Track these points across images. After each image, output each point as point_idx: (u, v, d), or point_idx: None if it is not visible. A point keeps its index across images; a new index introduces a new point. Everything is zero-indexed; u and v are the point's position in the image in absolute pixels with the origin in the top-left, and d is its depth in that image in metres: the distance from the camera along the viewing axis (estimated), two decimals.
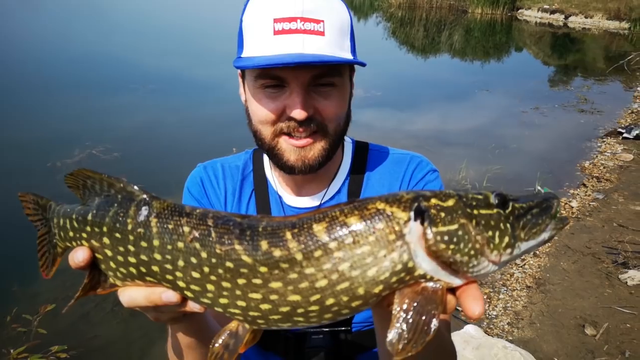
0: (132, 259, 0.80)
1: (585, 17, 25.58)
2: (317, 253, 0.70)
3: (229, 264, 0.73)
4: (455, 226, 0.70)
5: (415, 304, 0.68)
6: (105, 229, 0.81)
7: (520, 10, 28.32)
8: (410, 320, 0.67)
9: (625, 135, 8.00)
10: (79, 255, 0.83)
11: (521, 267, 4.57)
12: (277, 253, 0.71)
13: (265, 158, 1.38)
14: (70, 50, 12.67)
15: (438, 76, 13.91)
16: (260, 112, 1.15)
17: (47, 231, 0.94)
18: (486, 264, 0.71)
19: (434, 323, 0.67)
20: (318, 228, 0.71)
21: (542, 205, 0.76)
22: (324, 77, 1.12)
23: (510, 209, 0.74)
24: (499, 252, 0.71)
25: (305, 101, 1.11)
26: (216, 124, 8.01)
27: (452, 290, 0.72)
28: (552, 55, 18.45)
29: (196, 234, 0.75)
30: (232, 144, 6.98)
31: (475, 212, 0.72)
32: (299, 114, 1.09)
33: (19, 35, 14.09)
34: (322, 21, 1.09)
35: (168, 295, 0.79)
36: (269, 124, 1.16)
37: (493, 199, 0.74)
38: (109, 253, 0.82)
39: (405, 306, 0.68)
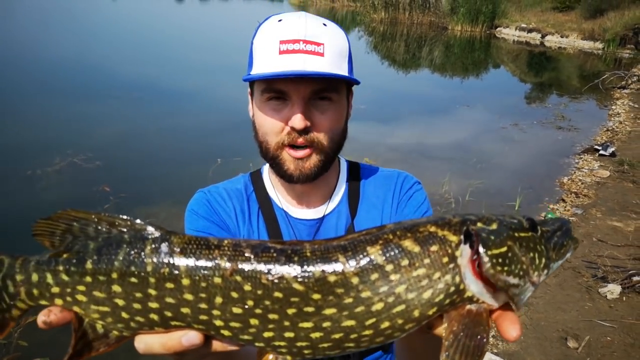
0: (153, 305, 0.71)
1: (561, 37, 26.34)
2: (374, 276, 0.69)
3: (277, 294, 0.69)
4: (505, 248, 0.72)
5: (463, 327, 0.70)
6: (115, 275, 0.71)
7: (498, 29, 29.01)
8: (462, 343, 0.69)
9: (601, 152, 8.21)
10: (56, 313, 0.73)
11: None
12: (331, 278, 0.69)
13: (266, 178, 1.46)
14: (52, 57, 12.51)
15: (419, 91, 14.11)
16: (266, 123, 1.26)
17: None
18: (528, 285, 0.73)
19: (484, 345, 0.69)
20: (372, 250, 0.70)
21: (562, 228, 0.81)
22: (322, 92, 1.24)
23: (540, 232, 0.77)
24: (538, 272, 0.74)
25: (305, 113, 1.22)
26: (199, 133, 7.98)
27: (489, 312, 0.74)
28: (529, 73, 18.91)
29: (237, 266, 0.70)
30: (215, 153, 6.98)
31: (516, 234, 0.74)
32: (298, 122, 1.20)
33: None
34: (322, 44, 1.22)
35: (189, 338, 0.72)
36: (273, 134, 1.26)
37: (525, 223, 0.76)
38: (121, 302, 0.72)
39: (454, 329, 0.70)
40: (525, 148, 8.96)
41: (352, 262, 0.69)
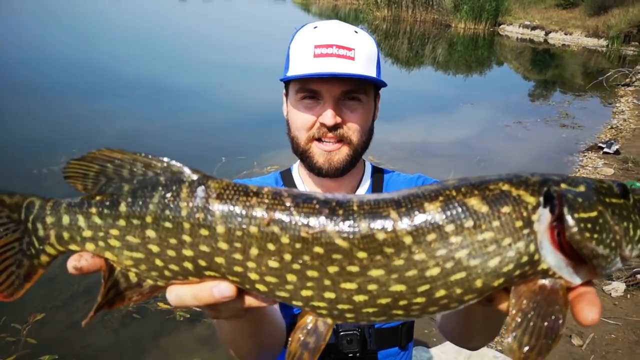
0: (187, 252, 0.66)
1: (565, 34, 26.26)
2: (430, 237, 0.61)
3: (317, 250, 0.62)
4: (595, 213, 0.61)
5: (535, 305, 0.61)
6: (149, 219, 0.66)
7: (502, 26, 28.94)
8: (532, 324, 0.60)
9: (605, 150, 8.20)
10: (87, 259, 0.70)
11: None
12: (380, 236, 0.61)
13: (295, 175, 1.55)
14: (57, 56, 12.55)
15: (422, 88, 14.09)
16: (299, 119, 1.36)
17: (18, 238, 0.73)
18: (618, 259, 0.63)
19: (559, 327, 0.60)
20: (431, 207, 0.61)
21: None
22: (352, 92, 1.33)
23: (632, 200, 0.66)
24: (632, 246, 0.64)
25: (335, 111, 1.31)
26: (204, 131, 8.02)
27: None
28: (532, 70, 18.87)
29: (274, 215, 0.63)
30: (220, 151, 7.01)
31: (607, 200, 0.64)
32: (329, 120, 1.30)
33: (5, 40, 13.90)
34: (353, 49, 1.32)
35: (221, 289, 0.67)
36: (304, 129, 1.36)
37: (616, 189, 0.66)
38: (155, 249, 0.67)
39: (524, 307, 0.61)
40: (529, 146, 8.95)
41: (406, 219, 0.61)
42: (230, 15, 34.21)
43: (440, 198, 0.62)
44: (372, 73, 1.37)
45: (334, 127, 1.32)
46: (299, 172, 1.55)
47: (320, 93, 1.32)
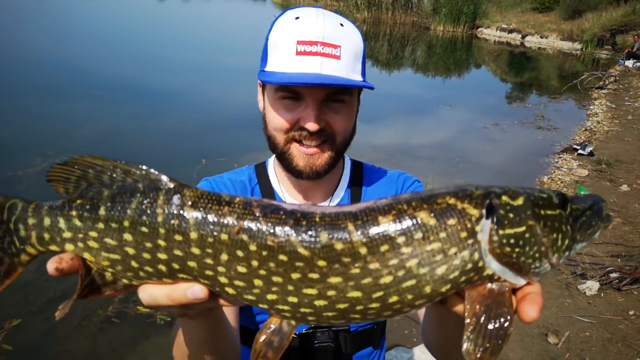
0: (162, 255, 0.70)
1: (541, 37, 26.78)
2: (384, 247, 0.66)
3: (282, 257, 0.67)
4: (522, 228, 0.67)
5: (485, 308, 0.66)
6: (126, 223, 0.70)
7: (479, 29, 29.38)
8: (483, 327, 0.65)
9: (580, 151, 8.38)
10: (67, 261, 0.73)
11: None
12: (338, 246, 0.66)
13: (271, 172, 1.49)
14: (32, 56, 12.28)
15: (402, 90, 14.21)
16: (277, 120, 1.28)
17: (0, 237, 0.77)
18: (546, 265, 0.70)
19: (507, 327, 0.65)
20: (384, 220, 0.66)
21: (594, 207, 0.76)
22: (336, 95, 1.26)
23: (569, 210, 0.73)
24: (559, 254, 0.71)
25: (318, 115, 1.24)
26: (184, 133, 7.93)
27: (513, 291, 0.70)
28: (509, 73, 19.19)
29: (243, 224, 0.68)
30: (200, 153, 6.96)
31: (542, 212, 0.70)
32: (312, 126, 1.23)
33: None
34: (339, 46, 1.24)
35: (194, 291, 0.71)
36: (282, 131, 1.28)
37: (555, 199, 0.72)
38: (131, 251, 0.71)
39: (476, 311, 0.66)
40: (506, 147, 9.10)
41: (361, 231, 0.66)
42: (209, 15, 33.97)
43: (393, 212, 0.67)
44: (358, 72, 1.31)
45: (317, 132, 1.25)
46: (274, 169, 1.48)
47: (301, 94, 1.24)
